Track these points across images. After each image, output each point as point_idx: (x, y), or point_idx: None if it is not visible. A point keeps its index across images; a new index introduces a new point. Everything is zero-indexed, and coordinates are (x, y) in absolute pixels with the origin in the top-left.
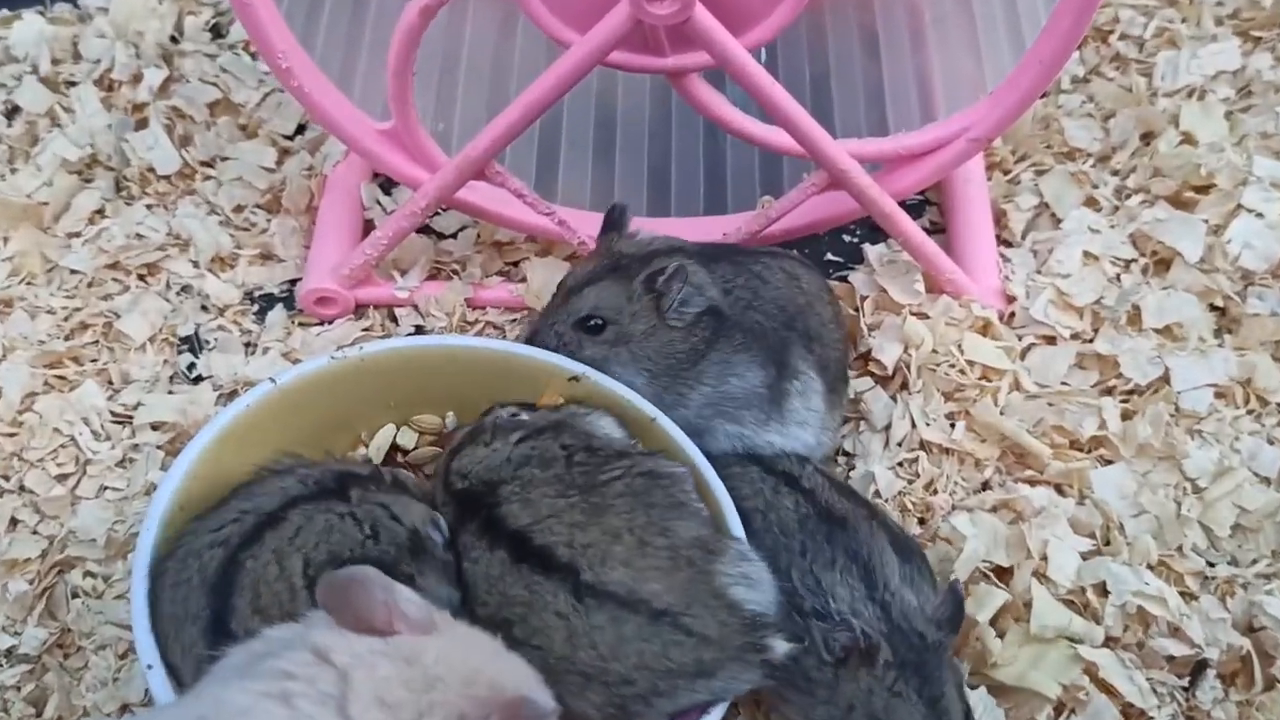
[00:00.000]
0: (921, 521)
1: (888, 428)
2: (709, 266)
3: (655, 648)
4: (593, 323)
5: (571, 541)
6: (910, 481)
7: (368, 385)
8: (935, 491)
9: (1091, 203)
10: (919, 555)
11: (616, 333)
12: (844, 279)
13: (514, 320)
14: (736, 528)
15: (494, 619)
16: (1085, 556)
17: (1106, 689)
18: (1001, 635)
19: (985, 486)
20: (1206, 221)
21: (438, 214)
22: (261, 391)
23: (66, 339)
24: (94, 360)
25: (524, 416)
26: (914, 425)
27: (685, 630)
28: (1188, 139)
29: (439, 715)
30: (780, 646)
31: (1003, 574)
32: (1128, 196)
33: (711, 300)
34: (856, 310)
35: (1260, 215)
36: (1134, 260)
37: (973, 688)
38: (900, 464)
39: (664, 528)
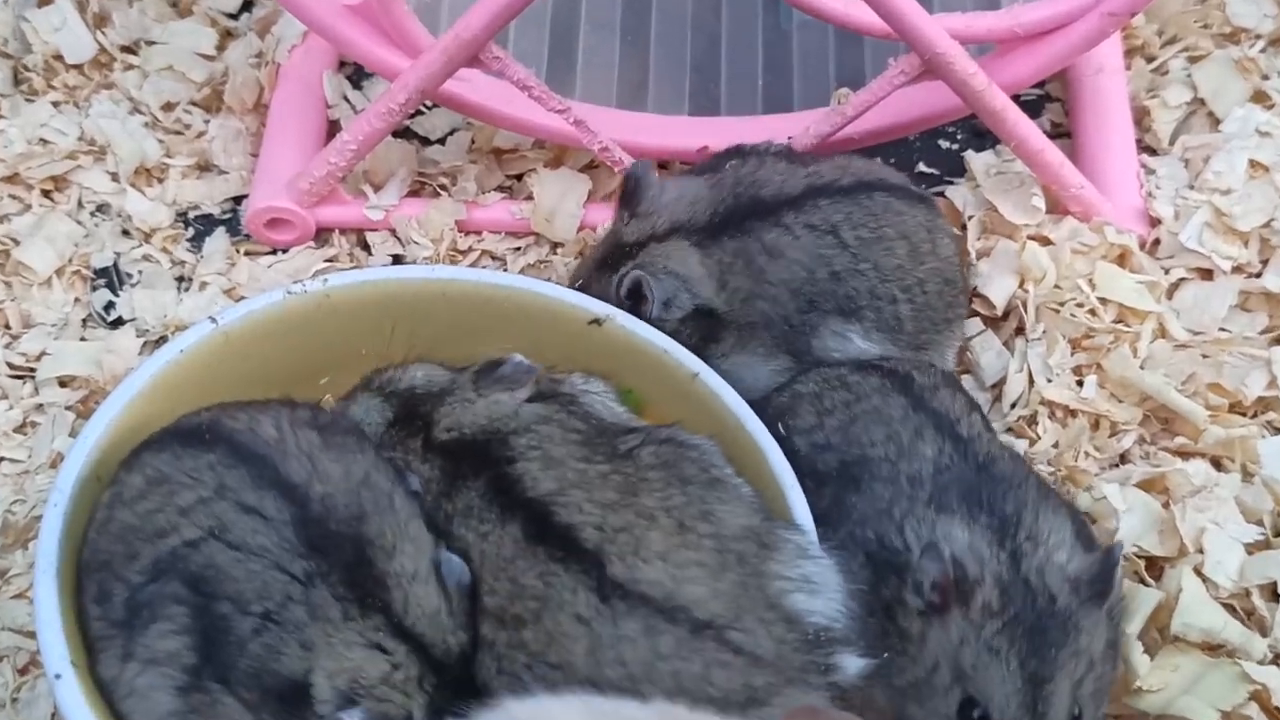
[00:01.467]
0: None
1: (1000, 384)
2: (711, 247)
3: (696, 669)
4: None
5: (603, 524)
6: (1032, 443)
7: (333, 329)
8: (1066, 458)
9: (1260, 98)
10: (1083, 526)
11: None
12: (941, 194)
13: (517, 249)
14: (800, 512)
15: (504, 614)
16: (1251, 550)
17: (1275, 716)
18: (1151, 653)
19: (1124, 459)
20: None
21: (421, 113)
22: (199, 335)
23: None
24: None
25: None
26: (1032, 381)
27: (734, 648)
28: None
29: None
30: (852, 665)
31: (1153, 569)
32: None
33: (699, 299)
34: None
35: None
36: None
37: None
38: (1014, 428)
39: (706, 511)
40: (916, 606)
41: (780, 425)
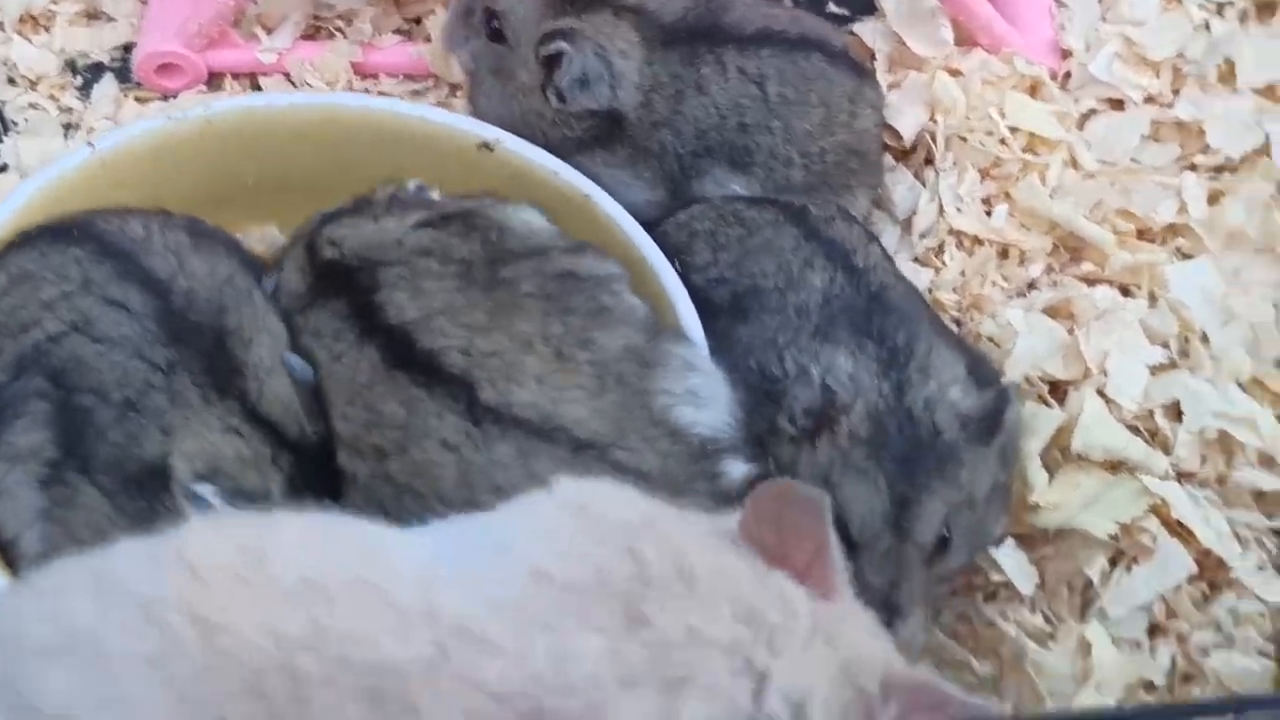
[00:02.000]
0: (956, 323)
1: (911, 218)
2: (657, 53)
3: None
4: (495, 24)
5: (469, 348)
6: (938, 271)
7: (217, 156)
8: (972, 286)
9: None
10: (994, 376)
11: (508, 57)
12: (850, 32)
13: (415, 91)
14: (691, 326)
15: (360, 444)
16: (1156, 371)
17: (1177, 531)
18: (1052, 473)
19: (1032, 287)
20: None
21: None
22: (76, 160)
23: None
24: None
25: (433, 195)
26: (942, 211)
27: (616, 466)
28: None
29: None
30: (737, 470)
31: (1057, 392)
32: None
33: (614, 103)
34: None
35: None
36: (1229, 3)
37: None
38: (921, 258)
39: (585, 339)
40: (789, 433)
41: (676, 263)
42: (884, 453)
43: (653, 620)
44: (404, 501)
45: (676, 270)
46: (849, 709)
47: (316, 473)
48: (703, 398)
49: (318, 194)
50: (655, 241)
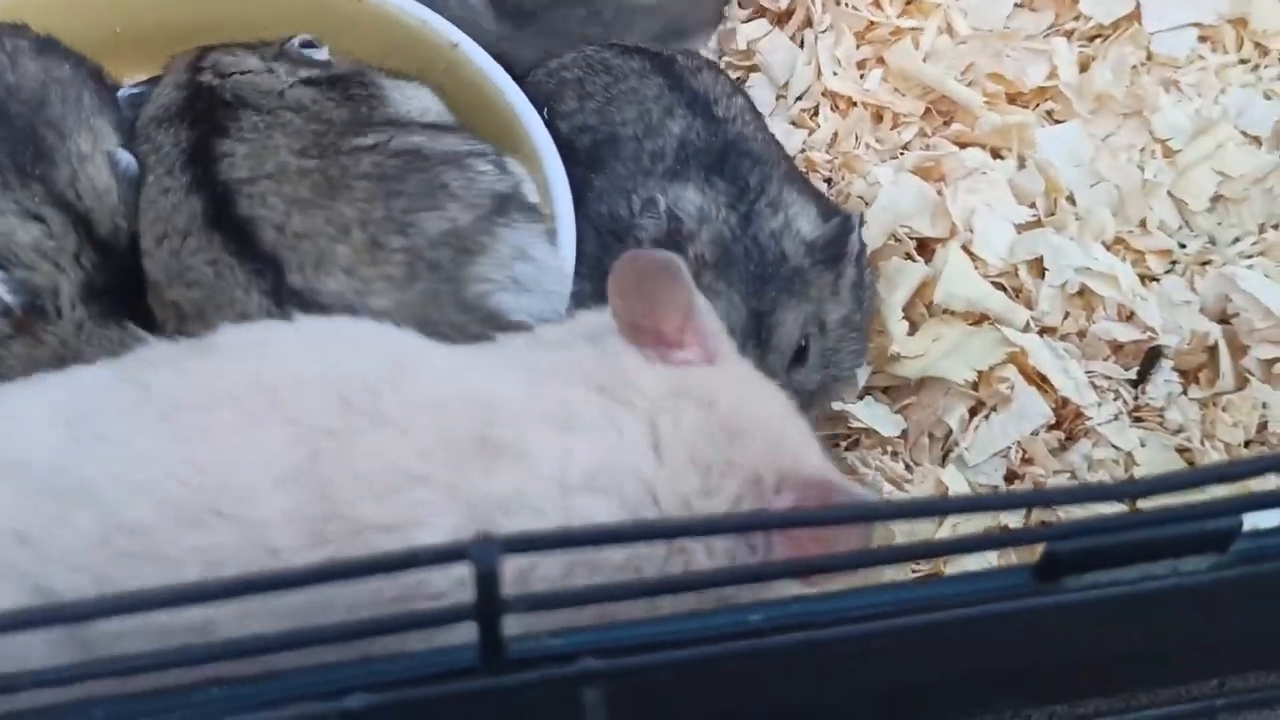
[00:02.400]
0: (828, 182)
1: (788, 81)
2: None
3: None
4: None
5: (284, 225)
6: (811, 133)
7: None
8: (844, 146)
9: None
10: (834, 211)
11: None
12: None
13: None
14: (557, 182)
15: (160, 295)
16: (1022, 230)
17: (1036, 381)
18: (915, 327)
19: (904, 149)
20: None
21: None
22: None
23: None
24: None
25: (321, 54)
26: (819, 74)
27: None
28: None
29: (734, 479)
30: None
31: (924, 250)
32: None
33: None
34: None
35: None
36: None
37: (865, 393)
38: (796, 120)
39: (405, 224)
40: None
41: (545, 111)
42: (733, 273)
43: None
44: None
45: (545, 119)
46: (744, 492)
47: (120, 283)
48: (527, 284)
49: (186, 42)
50: (525, 92)
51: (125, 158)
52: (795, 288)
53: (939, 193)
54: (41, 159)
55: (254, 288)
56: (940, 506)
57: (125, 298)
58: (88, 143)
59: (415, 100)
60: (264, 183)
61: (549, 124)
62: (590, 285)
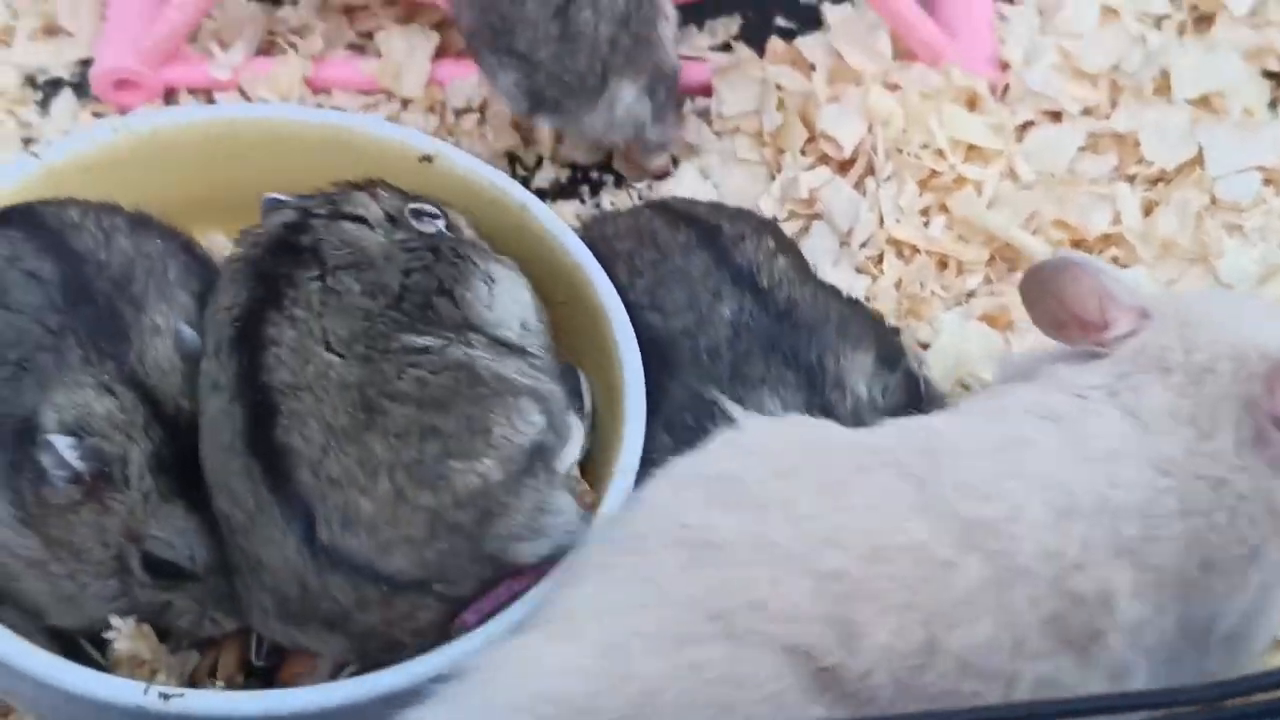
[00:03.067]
0: (894, 332)
1: (851, 228)
2: None
3: (403, 609)
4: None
5: (319, 466)
6: (875, 279)
7: (163, 169)
8: (909, 290)
9: None
10: (898, 353)
11: None
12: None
13: (367, 105)
14: (626, 344)
15: (215, 495)
16: None
17: None
18: None
19: (970, 296)
20: None
21: None
22: (21, 171)
23: None
24: None
25: (439, 229)
26: (881, 222)
27: (438, 596)
28: None
29: (1227, 413)
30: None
31: None
32: None
33: None
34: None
35: None
36: (1166, 16)
37: None
38: (861, 267)
39: (437, 476)
40: None
41: None
42: None
43: None
44: (246, 579)
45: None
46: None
47: (186, 457)
48: (545, 532)
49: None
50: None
51: (189, 335)
52: None
53: (1006, 340)
54: (118, 336)
55: (290, 534)
56: None
57: (191, 476)
58: (162, 318)
59: (503, 300)
60: (305, 397)
61: None
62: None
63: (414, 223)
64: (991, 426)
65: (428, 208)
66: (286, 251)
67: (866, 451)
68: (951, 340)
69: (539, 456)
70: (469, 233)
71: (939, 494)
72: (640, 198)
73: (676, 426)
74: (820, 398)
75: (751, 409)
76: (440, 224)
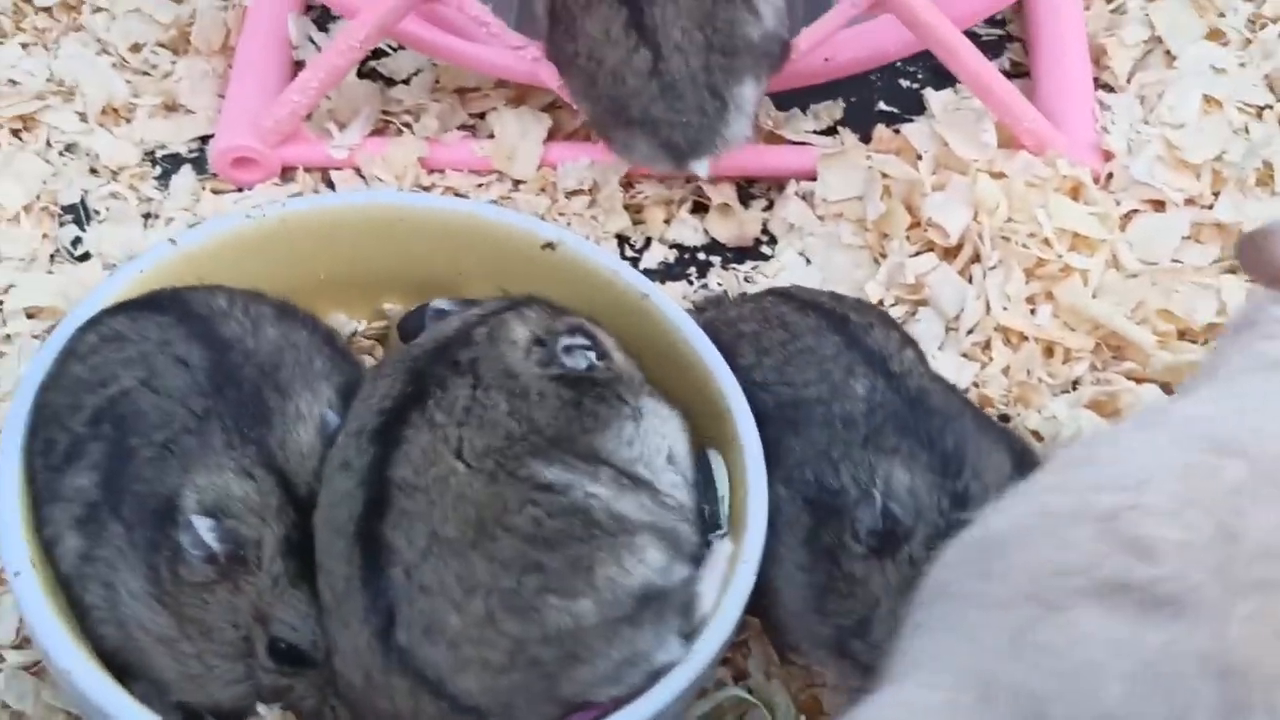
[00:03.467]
0: (1003, 418)
1: (958, 315)
2: None
3: None
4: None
5: (414, 570)
6: (984, 366)
7: (293, 252)
8: (1017, 377)
9: (1215, 35)
10: (1023, 454)
11: None
12: (898, 131)
13: (480, 185)
14: (748, 435)
15: (319, 575)
16: None
17: None
18: None
19: (1076, 384)
20: None
21: (387, 53)
22: (159, 256)
23: None
24: None
25: (589, 365)
26: (988, 309)
27: None
28: None
29: None
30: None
31: None
32: (1263, 27)
33: None
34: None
35: None
36: (1268, 106)
37: None
38: (968, 353)
39: (529, 608)
40: (858, 551)
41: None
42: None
43: None
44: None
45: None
46: None
47: (311, 545)
48: (624, 680)
49: (385, 286)
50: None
51: (333, 420)
52: None
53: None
54: (261, 421)
55: (368, 629)
56: None
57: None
58: (306, 406)
59: (647, 437)
60: (419, 498)
61: None
62: (802, 551)
63: (565, 359)
64: None
65: (580, 340)
66: (444, 360)
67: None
68: (1065, 430)
69: (649, 603)
70: (619, 359)
71: None
72: (745, 279)
73: (795, 481)
74: (953, 483)
75: (881, 476)
76: (591, 356)
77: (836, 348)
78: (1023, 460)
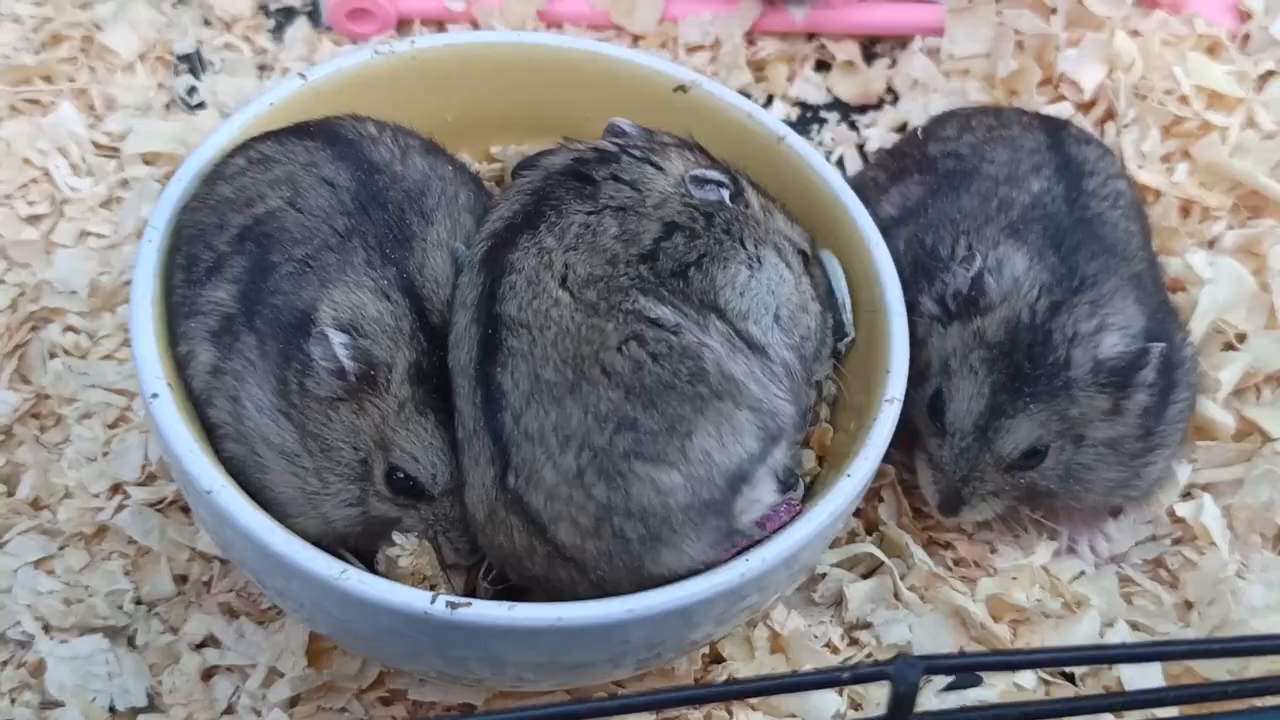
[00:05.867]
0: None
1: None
2: None
3: (562, 576)
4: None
5: (520, 415)
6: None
7: (419, 91)
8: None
9: None
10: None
11: None
12: None
13: (600, 41)
14: (886, 274)
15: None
16: None
17: None
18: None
19: (1213, 243)
20: None
21: None
22: (289, 89)
23: (36, 53)
24: (71, 80)
25: (719, 199)
26: (1124, 167)
27: (595, 584)
28: None
29: None
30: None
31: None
32: None
33: None
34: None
35: None
36: None
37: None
38: None
39: (618, 473)
40: (930, 311)
41: (920, 131)
42: (1004, 361)
43: None
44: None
45: (918, 137)
46: None
47: (444, 372)
48: (704, 552)
49: (514, 129)
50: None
51: (463, 252)
52: (1056, 402)
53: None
54: (403, 245)
55: (491, 465)
56: None
57: (445, 391)
58: (447, 233)
59: (760, 288)
60: (524, 335)
61: (921, 142)
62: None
63: (694, 190)
64: None
65: (714, 174)
66: (574, 178)
67: None
68: (1207, 294)
69: (738, 487)
70: (757, 207)
71: None
72: (857, 129)
73: (911, 241)
74: (1063, 293)
75: (999, 254)
76: (725, 193)
77: (1038, 144)
78: (1154, 329)
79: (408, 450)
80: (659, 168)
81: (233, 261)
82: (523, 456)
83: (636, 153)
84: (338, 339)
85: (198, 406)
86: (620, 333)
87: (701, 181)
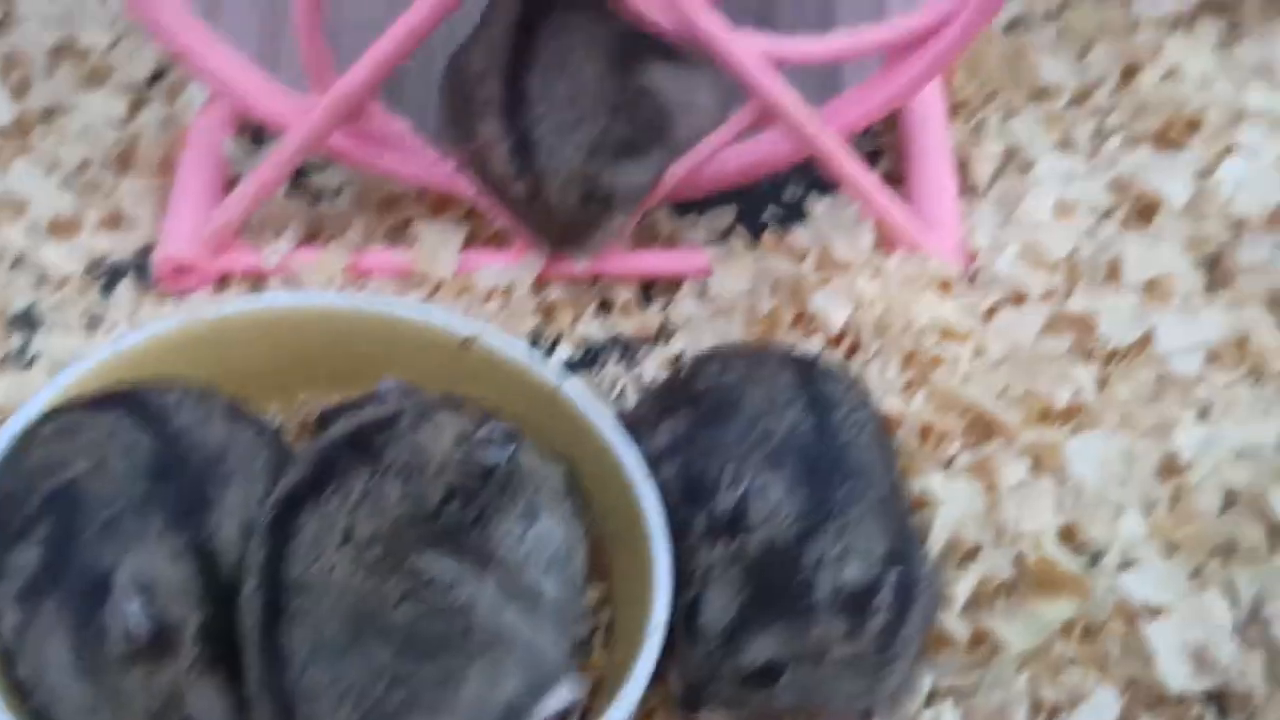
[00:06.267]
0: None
1: None
2: None
3: None
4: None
5: (303, 669)
6: None
7: (231, 348)
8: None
9: (1066, 145)
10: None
11: None
12: (783, 236)
13: (403, 288)
14: (658, 541)
15: None
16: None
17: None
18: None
19: (950, 464)
20: (1195, 164)
21: (315, 170)
22: (96, 360)
23: None
24: None
25: (497, 462)
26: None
27: None
28: (1172, 73)
29: None
30: None
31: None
32: (1106, 138)
33: None
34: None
35: (1255, 155)
36: (1113, 209)
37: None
38: None
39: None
40: (698, 531)
41: (685, 370)
42: (757, 580)
43: None
44: None
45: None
46: None
47: (227, 634)
48: None
49: (321, 381)
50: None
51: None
52: (795, 623)
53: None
54: (198, 510)
55: None
56: None
57: (230, 651)
58: (241, 498)
59: (538, 537)
60: (307, 596)
61: (687, 380)
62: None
63: (476, 451)
64: None
65: (496, 436)
66: (355, 446)
67: None
68: (946, 511)
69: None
70: (532, 460)
71: None
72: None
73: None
74: (812, 523)
75: (750, 483)
76: (503, 455)
77: (790, 381)
78: (899, 556)
79: (199, 706)
80: (435, 429)
81: (38, 527)
82: (303, 715)
83: (410, 417)
84: (132, 604)
85: (9, 663)
86: (397, 591)
87: (485, 444)
